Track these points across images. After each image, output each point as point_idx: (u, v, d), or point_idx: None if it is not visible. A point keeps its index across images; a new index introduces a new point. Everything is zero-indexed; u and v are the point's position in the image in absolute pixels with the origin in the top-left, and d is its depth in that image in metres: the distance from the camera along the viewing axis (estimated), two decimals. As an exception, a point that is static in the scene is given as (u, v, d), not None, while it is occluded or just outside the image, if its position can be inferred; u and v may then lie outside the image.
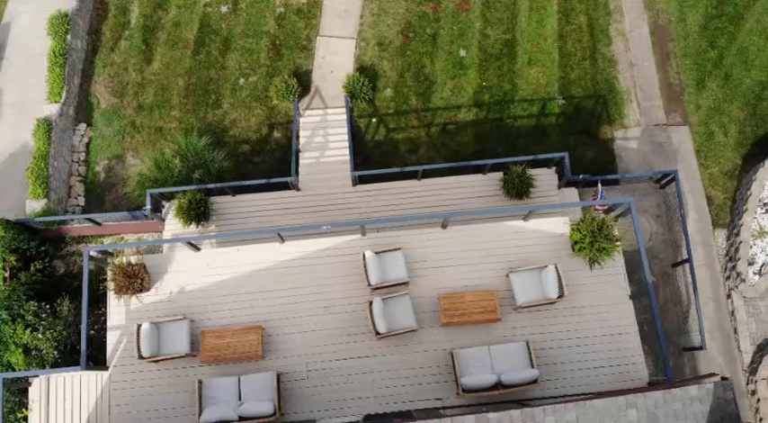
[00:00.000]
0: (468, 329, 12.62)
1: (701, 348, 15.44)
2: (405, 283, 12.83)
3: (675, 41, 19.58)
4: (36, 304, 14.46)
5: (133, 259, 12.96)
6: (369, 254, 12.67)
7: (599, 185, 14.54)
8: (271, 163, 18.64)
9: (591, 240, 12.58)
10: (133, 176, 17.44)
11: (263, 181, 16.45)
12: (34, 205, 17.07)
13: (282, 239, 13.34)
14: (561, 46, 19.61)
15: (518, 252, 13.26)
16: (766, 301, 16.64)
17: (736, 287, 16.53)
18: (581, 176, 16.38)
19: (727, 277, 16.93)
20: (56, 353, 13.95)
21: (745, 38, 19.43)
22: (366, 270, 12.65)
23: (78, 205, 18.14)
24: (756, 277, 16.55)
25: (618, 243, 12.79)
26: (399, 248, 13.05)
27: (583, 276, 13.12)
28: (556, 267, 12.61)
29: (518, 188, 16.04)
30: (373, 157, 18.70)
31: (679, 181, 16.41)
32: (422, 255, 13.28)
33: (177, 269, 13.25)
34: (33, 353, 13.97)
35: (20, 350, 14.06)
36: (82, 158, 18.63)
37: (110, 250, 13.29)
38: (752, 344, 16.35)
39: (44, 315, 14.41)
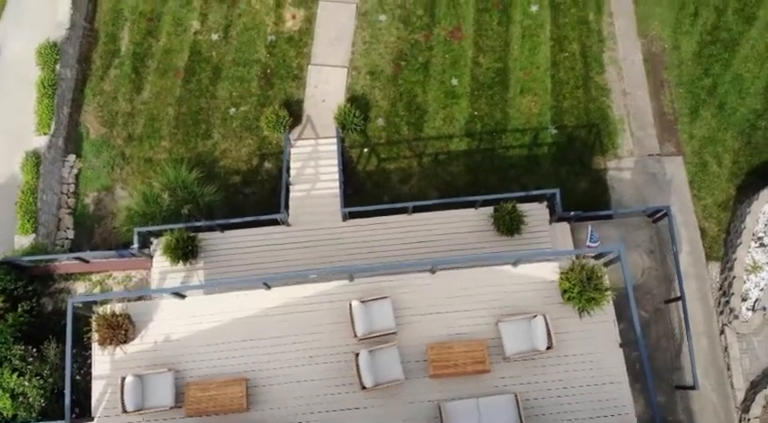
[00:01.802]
0: (456, 380, 12.51)
1: (693, 388, 15.32)
2: (392, 333, 12.71)
3: (669, 69, 19.41)
4: (22, 348, 14.36)
5: (117, 308, 12.85)
6: (355, 304, 12.55)
7: (589, 229, 14.40)
8: (261, 194, 18.52)
9: (580, 290, 12.46)
10: (122, 211, 17.30)
11: (251, 218, 16.32)
12: (23, 241, 16.98)
13: (269, 287, 13.22)
14: (554, 74, 19.44)
15: (507, 298, 13.14)
16: (760, 337, 16.54)
17: (730, 323, 16.41)
18: (572, 214, 16.25)
19: (721, 312, 16.81)
20: (42, 400, 13.86)
21: (740, 65, 19.26)
22: (353, 321, 12.54)
23: (67, 238, 18.03)
24: (750, 313, 16.43)
25: (608, 292, 12.66)
26: (387, 296, 12.93)
27: (572, 323, 13.00)
28: (545, 318, 12.50)
29: (509, 225, 15.93)
30: (365, 188, 18.58)
31: (672, 217, 16.27)
32: (410, 301, 13.17)
33: (162, 317, 13.14)
34: (21, 399, 13.87)
35: (7, 395, 13.98)
36: (71, 190, 18.52)
37: (95, 300, 13.18)
38: (745, 381, 16.25)
39: (30, 359, 14.31)
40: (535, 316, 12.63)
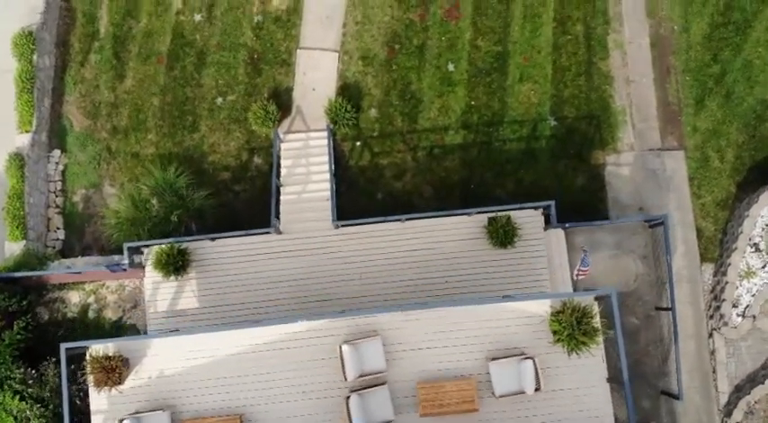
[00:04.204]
0: (445, 419, 12.81)
1: (677, 397, 15.71)
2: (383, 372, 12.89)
3: (677, 54, 18.49)
4: (22, 371, 14.61)
5: (111, 349, 12.96)
6: (346, 348, 12.64)
7: (582, 255, 14.24)
8: (252, 191, 18.22)
9: (569, 333, 12.50)
10: (111, 212, 17.04)
11: (242, 233, 16.14)
12: (14, 247, 16.90)
13: (259, 323, 13.28)
14: (555, 59, 18.55)
15: (498, 333, 13.20)
16: (748, 342, 16.75)
17: (719, 329, 16.59)
18: (567, 225, 16.04)
19: (711, 316, 16.94)
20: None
21: (751, 50, 18.32)
22: (343, 365, 12.68)
23: (58, 239, 17.92)
24: (740, 319, 16.57)
25: (598, 337, 12.70)
26: (377, 335, 13.00)
27: (560, 359, 13.11)
28: (534, 362, 12.62)
29: (503, 239, 15.77)
30: (358, 185, 18.24)
31: (668, 227, 16.04)
32: (400, 337, 13.24)
33: (156, 353, 13.28)
34: (23, 423, 14.31)
35: (10, 418, 14.37)
36: (59, 188, 18.20)
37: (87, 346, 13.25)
38: (730, 385, 16.62)
39: (30, 381, 14.59)
40: (525, 358, 12.74)
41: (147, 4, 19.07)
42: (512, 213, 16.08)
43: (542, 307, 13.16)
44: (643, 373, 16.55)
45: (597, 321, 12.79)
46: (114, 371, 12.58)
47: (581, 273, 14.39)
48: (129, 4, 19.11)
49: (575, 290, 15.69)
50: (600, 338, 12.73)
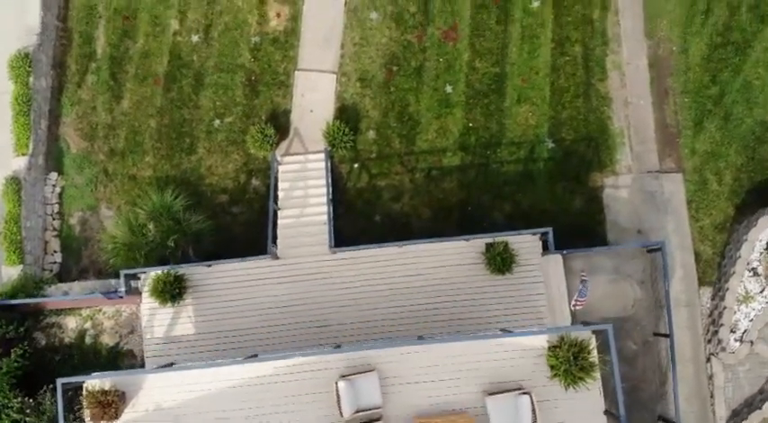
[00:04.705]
0: (441, 454, 12.81)
1: (674, 424, 15.72)
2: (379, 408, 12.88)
3: (675, 75, 18.42)
4: (20, 400, 14.62)
5: (107, 383, 12.96)
6: (342, 384, 12.61)
7: (580, 287, 14.21)
8: (250, 214, 18.18)
9: (566, 369, 12.48)
10: (107, 240, 17.01)
11: (238, 260, 16.11)
12: (11, 272, 16.90)
13: (254, 357, 13.27)
14: (553, 80, 18.49)
15: (495, 367, 13.15)
16: (746, 367, 16.74)
17: (717, 354, 16.57)
18: (565, 252, 16.01)
19: (709, 341, 16.93)
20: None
21: (750, 70, 18.25)
22: (339, 401, 12.65)
23: (55, 262, 17.90)
24: (737, 344, 16.55)
25: (595, 373, 12.68)
26: (373, 369, 12.98)
27: (557, 392, 13.10)
28: (531, 398, 12.59)
29: (500, 266, 15.75)
30: (355, 206, 18.20)
31: (666, 254, 16.01)
32: (396, 370, 13.22)
33: (152, 387, 13.27)
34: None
35: (9, 449, 14.42)
36: (55, 211, 18.17)
37: (82, 381, 13.23)
38: (727, 409, 16.61)
39: (28, 410, 14.60)
40: (522, 392, 12.72)
41: (144, 24, 19.00)
42: (509, 239, 16.04)
43: (540, 340, 13.13)
44: (640, 399, 16.54)
45: (594, 356, 12.77)
46: (111, 405, 12.59)
47: (579, 302, 14.37)
48: (126, 25, 19.04)
49: (573, 317, 15.65)
50: (597, 374, 12.71)
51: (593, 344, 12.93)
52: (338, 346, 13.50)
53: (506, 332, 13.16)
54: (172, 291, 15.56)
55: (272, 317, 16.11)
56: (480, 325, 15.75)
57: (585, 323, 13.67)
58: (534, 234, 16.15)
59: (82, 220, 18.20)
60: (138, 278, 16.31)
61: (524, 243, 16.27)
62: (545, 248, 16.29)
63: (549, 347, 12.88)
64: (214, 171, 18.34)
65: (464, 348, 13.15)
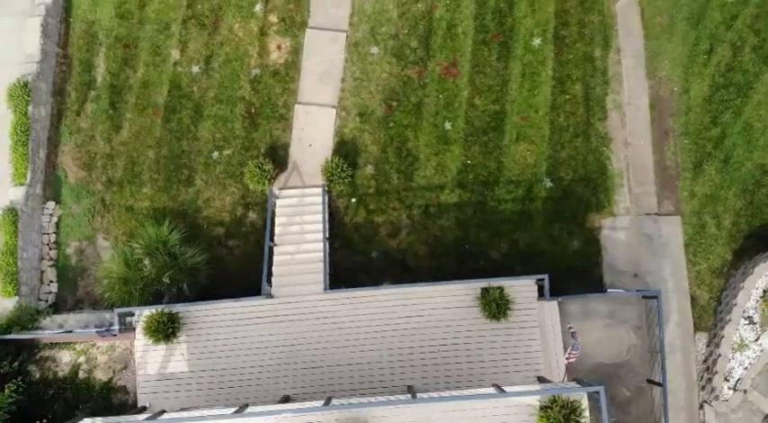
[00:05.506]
0: None
1: (667, 475, 15.68)
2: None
3: (676, 116, 18.34)
4: (14, 440, 14.70)
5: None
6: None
7: (573, 342, 14.18)
8: (246, 247, 18.16)
9: (557, 430, 12.47)
10: (103, 274, 17.00)
11: (233, 301, 16.09)
12: (6, 303, 16.91)
13: (245, 409, 13.25)
14: (553, 119, 18.42)
15: (486, 424, 13.18)
16: (738, 414, 16.69)
17: (710, 402, 16.53)
18: (560, 299, 15.97)
19: (703, 387, 16.88)
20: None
21: (752, 112, 18.15)
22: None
23: (51, 292, 17.92)
24: (731, 392, 16.50)
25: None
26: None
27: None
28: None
29: (495, 312, 15.71)
30: (352, 241, 18.17)
31: (661, 303, 15.95)
32: None
33: (143, 435, 13.29)
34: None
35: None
36: (52, 240, 18.18)
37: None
38: (719, 457, 16.59)
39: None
40: (512, 452, 12.72)
41: (145, 53, 18.98)
42: (505, 284, 15.99)
43: (532, 399, 13.09)
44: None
45: (586, 417, 12.72)
46: (100, 453, 12.59)
47: (572, 355, 14.33)
48: (127, 53, 19.03)
49: (567, 369, 15.58)
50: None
51: (585, 404, 12.89)
52: (329, 400, 13.44)
53: (499, 390, 13.10)
54: (165, 330, 15.56)
55: (266, 356, 16.09)
56: (474, 370, 15.73)
57: (577, 381, 13.60)
58: (530, 278, 16.08)
59: (78, 249, 18.20)
60: (133, 314, 16.30)
61: (520, 288, 16.20)
62: (541, 293, 16.22)
63: (542, 407, 12.84)
64: (211, 203, 18.32)
65: (457, 405, 13.12)
